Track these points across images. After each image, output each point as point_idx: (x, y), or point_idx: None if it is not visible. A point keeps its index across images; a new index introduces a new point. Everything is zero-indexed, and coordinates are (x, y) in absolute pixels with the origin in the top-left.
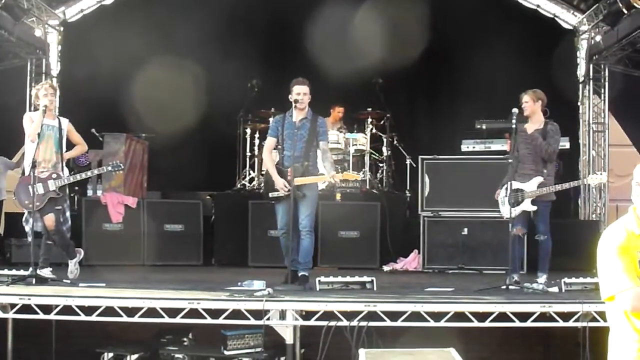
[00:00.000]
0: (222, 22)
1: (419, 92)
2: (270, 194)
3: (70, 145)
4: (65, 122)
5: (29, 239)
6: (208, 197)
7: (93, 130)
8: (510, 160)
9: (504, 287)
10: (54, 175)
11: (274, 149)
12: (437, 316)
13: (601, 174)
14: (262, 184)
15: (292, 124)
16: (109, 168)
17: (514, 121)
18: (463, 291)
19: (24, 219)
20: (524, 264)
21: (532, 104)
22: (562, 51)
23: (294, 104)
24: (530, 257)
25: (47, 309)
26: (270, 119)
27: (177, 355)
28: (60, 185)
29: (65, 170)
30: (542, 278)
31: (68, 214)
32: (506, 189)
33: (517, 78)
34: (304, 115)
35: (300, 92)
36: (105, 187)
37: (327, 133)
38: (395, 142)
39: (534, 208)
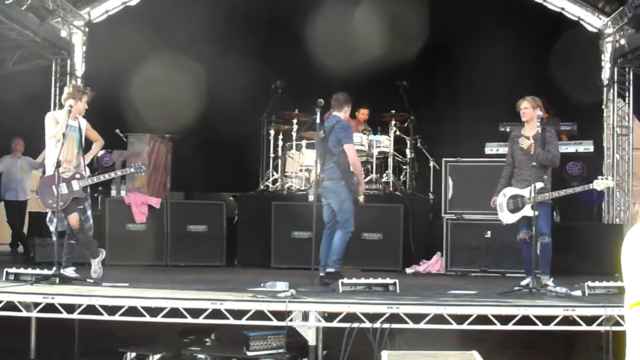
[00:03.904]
0: (247, 25)
1: (442, 95)
2: (360, 199)
3: (88, 144)
4: (84, 122)
5: (54, 238)
6: (231, 198)
7: (117, 130)
8: (534, 164)
9: (527, 290)
10: (78, 176)
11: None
12: (459, 319)
13: (607, 178)
14: (352, 191)
15: None
16: (132, 170)
17: (538, 124)
18: (486, 294)
19: (47, 219)
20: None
21: (531, 110)
22: (586, 54)
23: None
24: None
25: (70, 308)
26: (294, 120)
27: (199, 356)
28: (84, 186)
29: (87, 170)
30: (549, 280)
31: (89, 212)
32: (505, 195)
33: (541, 81)
34: None
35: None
36: (129, 188)
37: None
38: (418, 144)
39: (535, 213)
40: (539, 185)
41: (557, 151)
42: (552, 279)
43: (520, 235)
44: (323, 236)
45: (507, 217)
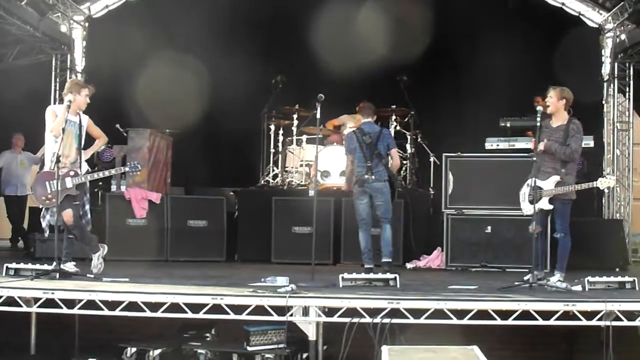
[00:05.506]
0: (248, 19)
1: (443, 90)
2: None
3: (90, 141)
4: (85, 118)
5: (46, 234)
6: (232, 193)
7: (117, 125)
8: (535, 159)
9: (527, 285)
10: (72, 173)
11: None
12: (460, 314)
13: (610, 177)
14: (394, 189)
15: None
16: (127, 169)
17: (538, 119)
18: (486, 289)
19: (41, 215)
20: (547, 262)
21: (555, 101)
22: (587, 49)
23: None
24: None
25: (70, 303)
26: (294, 115)
27: (199, 351)
28: (77, 183)
29: (84, 165)
30: (557, 276)
31: (87, 207)
32: (528, 185)
33: (541, 76)
34: None
35: None
36: (129, 183)
37: None
38: (419, 139)
39: (550, 207)
40: (556, 179)
41: (578, 145)
42: (558, 275)
43: (530, 228)
44: (361, 231)
45: (527, 208)
